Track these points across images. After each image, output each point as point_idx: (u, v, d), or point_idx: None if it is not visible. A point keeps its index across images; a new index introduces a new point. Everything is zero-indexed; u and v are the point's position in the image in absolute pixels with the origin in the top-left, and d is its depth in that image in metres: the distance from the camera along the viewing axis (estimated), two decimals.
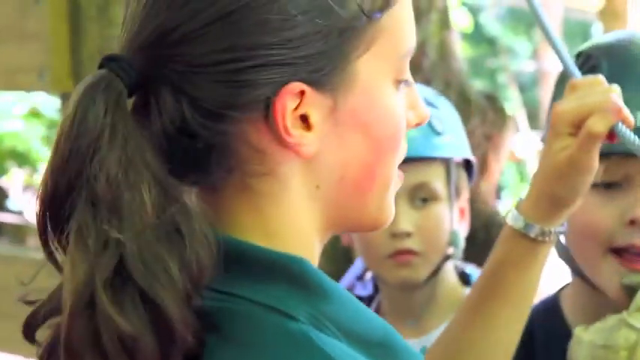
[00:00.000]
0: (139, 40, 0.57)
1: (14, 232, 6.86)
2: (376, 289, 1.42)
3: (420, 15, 1.97)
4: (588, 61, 0.93)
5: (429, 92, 1.38)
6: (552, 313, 1.03)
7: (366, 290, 1.47)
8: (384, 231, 1.17)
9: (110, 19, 1.56)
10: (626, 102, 0.80)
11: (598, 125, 0.73)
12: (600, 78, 0.79)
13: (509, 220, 0.81)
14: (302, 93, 0.55)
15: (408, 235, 1.23)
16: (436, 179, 1.29)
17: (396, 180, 0.64)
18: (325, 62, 0.56)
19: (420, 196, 1.27)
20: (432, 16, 2.02)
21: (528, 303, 0.84)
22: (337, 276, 1.90)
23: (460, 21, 6.92)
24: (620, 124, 0.74)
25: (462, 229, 1.33)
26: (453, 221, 1.29)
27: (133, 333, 0.51)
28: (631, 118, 0.75)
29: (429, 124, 1.30)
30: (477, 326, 0.84)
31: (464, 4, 7.38)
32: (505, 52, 10.10)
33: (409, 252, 1.25)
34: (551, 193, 0.79)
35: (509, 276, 0.82)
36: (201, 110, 0.55)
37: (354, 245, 1.44)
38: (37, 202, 0.57)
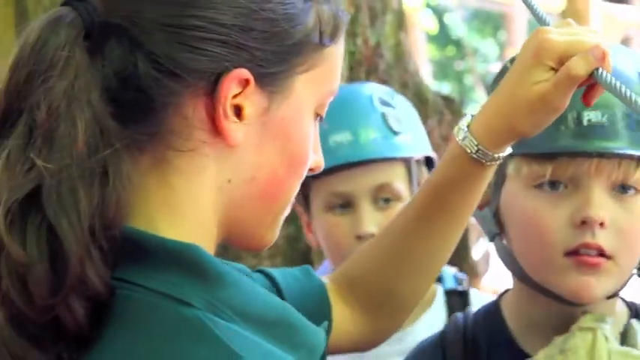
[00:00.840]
0: None
1: None
2: None
3: (374, 17, 2.05)
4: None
5: (385, 91, 1.36)
6: (493, 320, 1.00)
7: None
8: (350, 232, 1.22)
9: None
10: (572, 100, 0.79)
11: (580, 66, 0.70)
12: (593, 27, 0.77)
13: (461, 142, 0.78)
14: (247, 82, 0.57)
15: (372, 236, 1.18)
16: (397, 179, 1.27)
17: (288, 208, 0.65)
18: (275, 63, 0.59)
19: (382, 197, 1.25)
20: (387, 17, 2.02)
21: (467, 215, 0.86)
22: None
23: (425, 23, 6.89)
24: (600, 69, 0.70)
25: None
26: None
27: (25, 260, 0.52)
28: (610, 66, 0.71)
29: (386, 125, 1.28)
30: (420, 234, 0.85)
31: (428, 5, 7.32)
32: (472, 54, 10.16)
33: None
34: (511, 123, 0.77)
35: (453, 192, 0.83)
36: (156, 65, 0.56)
37: (320, 247, 1.42)
38: None
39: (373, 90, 1.34)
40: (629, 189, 0.85)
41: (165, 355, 0.56)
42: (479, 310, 1.01)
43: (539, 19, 0.80)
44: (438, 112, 1.91)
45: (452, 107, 1.95)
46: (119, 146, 0.57)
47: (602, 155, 0.84)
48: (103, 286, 0.56)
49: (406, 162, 1.28)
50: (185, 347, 0.56)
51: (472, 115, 0.80)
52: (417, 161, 1.29)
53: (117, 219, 0.57)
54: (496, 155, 0.79)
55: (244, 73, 0.57)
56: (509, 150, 0.80)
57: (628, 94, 0.70)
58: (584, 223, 0.83)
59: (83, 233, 0.54)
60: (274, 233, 0.67)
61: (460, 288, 1.33)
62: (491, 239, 0.96)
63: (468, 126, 0.79)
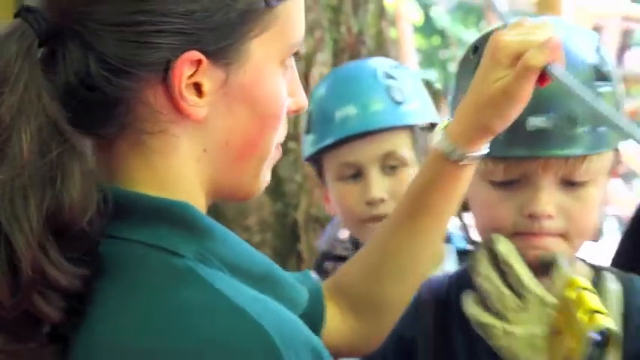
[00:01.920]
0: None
1: None
2: (355, 248, 1.42)
3: (357, 7, 2.07)
4: (478, 52, 0.89)
5: (388, 64, 1.38)
6: (464, 282, 0.98)
7: (347, 251, 1.48)
8: (361, 199, 1.24)
9: None
10: None
11: (536, 58, 0.71)
12: (541, 23, 0.79)
13: (438, 144, 0.80)
14: (199, 62, 0.56)
15: (382, 201, 1.23)
16: (403, 147, 1.28)
17: (272, 155, 0.65)
18: (223, 37, 0.58)
19: (389, 164, 1.27)
20: (369, 7, 2.03)
21: (449, 216, 0.86)
22: (285, 251, 1.90)
23: (412, 15, 6.84)
24: (553, 64, 0.72)
25: None
26: None
27: None
28: (562, 59, 0.73)
29: (390, 96, 1.28)
30: (403, 235, 0.84)
31: None
32: (455, 44, 10.12)
33: (385, 217, 1.24)
34: (480, 120, 0.78)
35: (434, 194, 0.83)
36: (106, 65, 0.55)
37: (336, 213, 1.42)
38: None
39: (377, 64, 1.35)
40: (575, 183, 0.86)
41: (157, 302, 0.56)
42: (452, 275, 1.02)
43: (501, 18, 0.82)
44: None
45: (432, 89, 1.95)
46: (72, 148, 0.56)
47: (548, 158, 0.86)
48: (68, 277, 0.55)
49: (411, 129, 1.29)
50: (175, 293, 0.56)
51: (449, 119, 0.81)
52: (422, 128, 1.30)
53: (76, 216, 0.55)
54: (471, 155, 0.80)
55: (194, 54, 0.57)
56: (485, 149, 0.80)
57: (577, 86, 0.71)
58: (531, 216, 0.86)
59: (34, 237, 0.53)
60: (260, 182, 0.66)
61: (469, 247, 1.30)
62: (457, 215, 0.97)
63: (444, 129, 0.80)
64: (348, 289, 0.87)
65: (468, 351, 0.95)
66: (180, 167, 0.61)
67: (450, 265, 1.28)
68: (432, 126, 1.32)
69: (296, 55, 0.66)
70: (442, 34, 10.26)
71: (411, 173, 1.26)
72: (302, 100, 0.67)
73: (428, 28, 9.67)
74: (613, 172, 0.97)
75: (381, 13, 2.04)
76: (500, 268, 0.85)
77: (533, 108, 0.83)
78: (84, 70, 0.56)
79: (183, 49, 0.56)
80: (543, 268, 0.86)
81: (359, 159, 1.26)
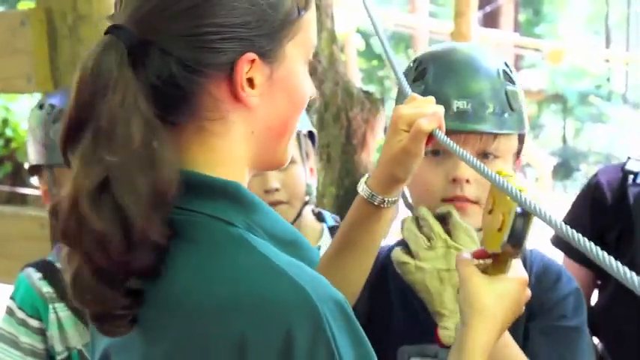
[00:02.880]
0: (138, 15, 0.62)
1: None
2: None
3: (320, 28, 2.28)
4: (420, 66, 1.00)
5: None
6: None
7: None
8: (259, 187, 1.32)
9: (79, 37, 1.66)
10: (447, 94, 0.93)
11: (426, 125, 0.81)
12: (431, 98, 0.86)
13: (360, 192, 0.88)
14: (253, 61, 0.63)
15: (277, 190, 1.37)
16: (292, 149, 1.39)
17: (293, 133, 0.73)
18: (270, 41, 0.64)
19: None
20: (322, 34, 2.19)
21: (375, 249, 0.93)
22: None
23: (356, 43, 8.27)
24: (437, 129, 0.82)
25: (313, 182, 1.48)
26: (307, 177, 1.43)
27: (103, 230, 0.57)
28: (444, 128, 0.82)
29: None
30: (335, 267, 0.90)
31: (359, 30, 8.39)
32: (389, 65, 11.79)
33: (279, 202, 1.39)
34: (389, 173, 0.87)
35: (360, 231, 0.90)
36: (184, 67, 0.61)
37: None
38: (62, 129, 0.63)
39: None
40: (489, 155, 0.95)
41: (218, 261, 0.62)
42: (394, 242, 1.06)
43: (403, 90, 0.92)
44: (361, 102, 2.16)
45: (370, 98, 2.23)
46: (163, 138, 0.61)
47: (468, 132, 0.94)
48: (163, 238, 0.60)
49: (297, 134, 1.36)
50: (232, 255, 0.62)
51: (368, 176, 0.89)
52: (304, 135, 1.41)
53: (169, 191, 0.60)
54: (387, 199, 0.88)
55: (250, 55, 0.63)
56: (396, 195, 0.88)
57: (456, 148, 0.79)
58: (455, 181, 0.94)
59: (144, 207, 0.58)
60: (287, 154, 0.73)
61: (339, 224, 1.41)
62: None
63: (365, 181, 0.89)
64: None
65: (401, 297, 1.03)
66: (233, 147, 0.66)
67: (324, 241, 1.39)
68: (310, 134, 1.46)
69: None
70: (379, 57, 12.12)
71: (298, 170, 1.40)
72: (314, 91, 0.75)
73: (368, 52, 11.45)
74: (518, 161, 1.05)
75: (333, 39, 2.26)
76: (419, 223, 0.93)
77: (458, 94, 0.95)
78: (165, 71, 0.61)
79: (243, 52, 0.62)
80: (441, 219, 0.94)
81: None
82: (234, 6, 0.63)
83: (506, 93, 0.98)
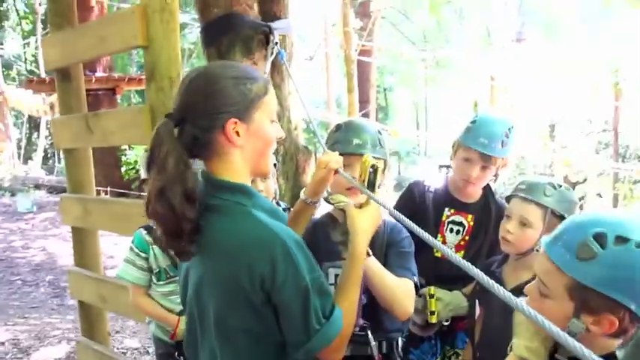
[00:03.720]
0: (177, 107, 1.17)
1: None
2: None
3: (282, 115, 3.87)
4: (339, 127, 1.77)
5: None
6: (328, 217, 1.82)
7: None
8: None
9: None
10: (350, 136, 1.67)
11: (332, 164, 1.42)
12: (336, 153, 1.45)
13: (301, 196, 1.46)
14: (235, 123, 1.16)
15: (261, 191, 1.93)
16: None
17: (271, 156, 1.26)
18: (245, 112, 1.18)
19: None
20: (284, 119, 3.66)
21: (304, 224, 1.49)
22: None
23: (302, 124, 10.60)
24: (341, 169, 1.39)
25: (277, 188, 2.25)
26: (275, 186, 2.16)
27: (163, 212, 1.11)
28: (342, 166, 1.41)
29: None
30: None
31: (302, 119, 11.09)
32: (315, 136, 14.25)
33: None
34: (315, 188, 1.46)
35: (298, 215, 1.48)
36: (202, 131, 1.16)
37: None
38: (145, 163, 1.27)
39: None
40: (373, 166, 1.41)
41: (236, 224, 1.13)
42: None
43: (324, 148, 1.58)
44: (302, 151, 3.62)
45: (307, 150, 3.61)
46: (188, 166, 1.11)
47: (358, 154, 1.53)
48: (194, 215, 1.11)
49: None
50: (242, 220, 1.14)
51: (305, 189, 1.42)
52: None
53: (193, 193, 1.11)
54: (312, 200, 1.46)
55: (233, 120, 1.14)
56: (317, 199, 1.45)
57: (345, 175, 1.40)
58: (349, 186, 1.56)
59: (179, 201, 1.09)
60: (269, 167, 1.26)
61: None
62: None
63: (303, 191, 1.45)
64: None
65: (324, 237, 1.67)
66: (237, 165, 1.18)
67: None
68: (275, 165, 2.24)
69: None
70: (313, 132, 14.16)
71: (271, 182, 2.12)
72: (281, 134, 1.24)
73: (308, 130, 14.27)
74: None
75: (289, 121, 3.68)
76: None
77: (355, 136, 1.67)
78: (194, 134, 1.14)
79: (229, 118, 1.14)
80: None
81: None
82: (226, 96, 1.14)
83: (378, 139, 1.74)
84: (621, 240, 1.01)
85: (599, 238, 1.02)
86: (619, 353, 0.95)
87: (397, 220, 1.30)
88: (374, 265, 1.57)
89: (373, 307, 1.67)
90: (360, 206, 1.38)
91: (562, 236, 1.09)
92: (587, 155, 18.49)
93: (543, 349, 1.19)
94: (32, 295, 6.04)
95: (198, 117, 1.15)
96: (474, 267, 0.94)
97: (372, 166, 1.35)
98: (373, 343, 1.67)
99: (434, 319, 2.05)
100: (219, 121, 1.15)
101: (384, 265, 1.65)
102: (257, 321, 1.15)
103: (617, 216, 1.07)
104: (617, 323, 1.02)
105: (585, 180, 14.09)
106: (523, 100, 18.96)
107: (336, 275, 1.74)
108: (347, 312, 1.21)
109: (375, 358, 1.70)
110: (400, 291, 1.61)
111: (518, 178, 2.00)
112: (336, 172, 1.43)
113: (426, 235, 1.07)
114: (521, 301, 0.82)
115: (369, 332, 1.67)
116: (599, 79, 17.51)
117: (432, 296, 2.05)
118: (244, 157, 1.20)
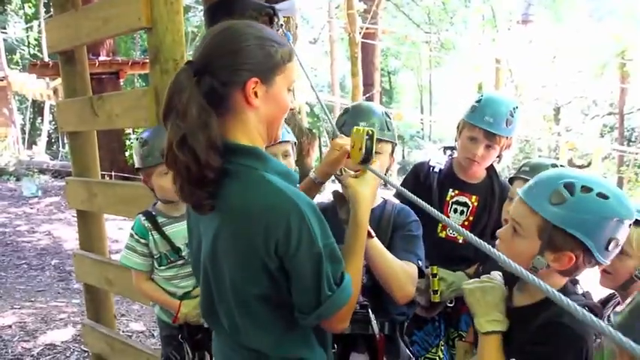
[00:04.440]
0: (200, 57, 1.14)
1: None
2: None
3: None
4: (347, 111, 1.82)
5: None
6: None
7: None
8: None
9: None
10: (357, 121, 1.67)
11: (345, 147, 1.42)
12: (347, 138, 1.40)
13: (310, 175, 1.54)
14: (256, 82, 1.12)
15: None
16: (290, 149, 1.98)
17: (282, 123, 1.23)
18: (267, 74, 1.16)
19: (285, 154, 1.96)
20: None
21: None
22: None
23: (306, 108, 10.45)
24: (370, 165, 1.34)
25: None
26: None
27: (186, 161, 1.08)
28: (369, 169, 1.34)
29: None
30: None
31: (306, 103, 11.32)
32: (327, 117, 14.39)
33: None
34: (325, 169, 1.52)
35: (306, 193, 1.30)
36: (222, 84, 1.12)
37: None
38: (163, 109, 1.11)
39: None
40: (379, 146, 1.53)
41: (250, 188, 1.12)
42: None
43: (335, 131, 1.52)
44: (307, 134, 3.73)
45: (311, 133, 3.76)
46: (212, 114, 1.08)
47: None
48: (218, 163, 1.08)
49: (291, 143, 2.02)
50: (255, 184, 1.12)
51: (314, 169, 1.45)
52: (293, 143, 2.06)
53: (217, 140, 1.08)
54: (320, 180, 1.52)
55: (254, 79, 1.11)
56: (325, 180, 1.50)
57: (383, 176, 1.36)
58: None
59: (204, 149, 1.07)
60: (280, 133, 1.24)
61: None
62: None
63: (313, 171, 1.49)
64: None
65: (333, 217, 1.46)
66: (252, 128, 1.16)
67: None
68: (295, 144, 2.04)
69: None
70: (317, 116, 15.73)
71: (292, 159, 1.99)
72: (292, 105, 1.23)
73: (312, 114, 14.97)
74: (392, 158, 1.75)
75: (293, 95, 4.03)
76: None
77: (363, 121, 1.67)
78: (212, 85, 1.10)
79: (251, 77, 1.11)
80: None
81: (273, 152, 1.86)
82: (251, 55, 1.11)
83: (385, 122, 1.75)
84: (586, 189, 1.22)
85: (569, 187, 1.23)
86: (614, 318, 1.03)
87: (404, 197, 1.33)
88: (376, 245, 1.56)
89: (377, 289, 1.66)
90: (356, 176, 1.39)
91: (536, 186, 1.29)
92: (592, 138, 18.40)
93: (500, 314, 1.35)
94: (38, 279, 6.08)
95: (220, 69, 1.12)
96: (480, 240, 1.00)
97: (368, 133, 1.33)
98: (374, 321, 1.66)
99: (437, 299, 2.05)
100: (240, 77, 1.12)
101: (389, 247, 1.63)
102: (272, 287, 1.16)
103: (581, 172, 1.29)
104: (574, 260, 1.24)
105: (590, 163, 14.04)
106: (528, 83, 18.83)
107: None
108: (353, 280, 1.22)
109: (376, 336, 1.69)
110: (401, 274, 1.59)
111: (523, 162, 1.99)
112: (349, 156, 1.41)
113: (434, 212, 1.09)
114: (502, 256, 0.95)
115: (369, 311, 1.66)
116: (606, 60, 17.34)
117: (434, 275, 2.05)
118: (259, 120, 1.17)
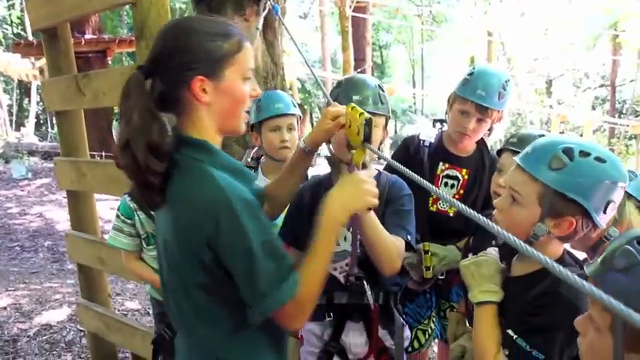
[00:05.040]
0: (147, 60, 1.17)
1: None
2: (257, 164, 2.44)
3: (275, 74, 3.71)
4: (340, 83, 1.78)
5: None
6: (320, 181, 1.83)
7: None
8: (278, 139, 2.15)
9: None
10: (350, 93, 1.66)
11: (342, 120, 1.40)
12: (343, 108, 1.39)
13: (300, 145, 1.49)
14: (202, 80, 1.15)
15: (286, 140, 2.21)
16: (294, 122, 2.29)
17: (243, 114, 1.24)
18: (215, 68, 1.16)
19: (290, 127, 2.27)
20: (278, 78, 3.64)
21: (300, 172, 1.53)
22: None
23: (297, 84, 11.01)
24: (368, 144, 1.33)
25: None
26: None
27: (127, 164, 1.13)
28: (369, 147, 1.33)
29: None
30: (280, 185, 1.52)
31: (298, 78, 11.52)
32: (321, 88, 14.44)
33: (287, 147, 2.20)
34: (316, 137, 1.46)
35: (296, 162, 1.50)
36: (170, 85, 1.17)
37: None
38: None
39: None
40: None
41: (192, 180, 1.14)
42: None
43: (328, 100, 1.57)
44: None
45: (303, 107, 3.30)
46: (156, 119, 1.11)
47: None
48: (161, 167, 1.12)
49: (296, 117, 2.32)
50: (198, 177, 1.13)
51: (305, 137, 1.41)
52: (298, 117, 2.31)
53: (160, 145, 1.11)
54: (309, 149, 1.46)
55: (199, 77, 1.14)
56: (315, 149, 1.45)
57: (377, 151, 1.37)
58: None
59: (143, 153, 1.10)
60: (242, 125, 1.24)
61: None
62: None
63: (303, 140, 1.45)
64: (271, 194, 1.52)
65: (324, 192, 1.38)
66: (204, 123, 1.19)
67: None
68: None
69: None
70: (308, 92, 16.05)
71: (296, 134, 2.19)
72: (257, 91, 1.25)
73: (303, 90, 15.23)
74: (386, 131, 1.73)
75: (284, 81, 3.63)
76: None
77: (356, 93, 1.66)
78: (162, 88, 1.15)
79: (195, 75, 1.14)
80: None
81: (279, 124, 2.22)
82: (193, 53, 1.13)
83: (379, 94, 1.73)
84: (584, 154, 1.23)
85: (568, 152, 1.24)
86: (587, 269, 1.02)
87: (395, 170, 1.30)
88: (371, 219, 1.56)
89: (371, 261, 1.67)
90: (350, 164, 1.40)
91: (534, 153, 1.29)
92: (583, 111, 18.43)
93: (494, 285, 1.35)
94: (32, 261, 6.09)
95: (166, 72, 1.15)
96: (475, 212, 1.01)
97: (366, 120, 1.32)
98: (369, 292, 1.69)
99: (429, 275, 2.09)
100: (185, 77, 1.14)
101: (381, 220, 1.64)
102: (208, 277, 1.15)
103: (576, 138, 1.31)
104: (574, 224, 1.25)
105: (581, 136, 14.10)
106: (520, 56, 18.77)
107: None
108: (307, 281, 1.17)
109: (371, 306, 1.73)
110: (389, 248, 1.60)
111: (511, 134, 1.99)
112: (343, 126, 1.40)
113: (428, 185, 1.09)
114: (496, 228, 0.94)
115: (364, 282, 1.69)
116: (598, 32, 17.27)
117: (426, 252, 2.08)
118: (212, 115, 1.19)
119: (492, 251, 1.46)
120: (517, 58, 19.07)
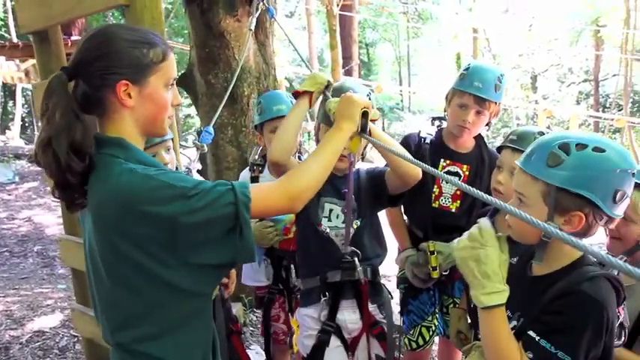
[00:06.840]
0: (71, 62, 1.19)
1: None
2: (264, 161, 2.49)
3: (267, 74, 3.70)
4: (338, 87, 1.82)
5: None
6: None
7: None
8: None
9: None
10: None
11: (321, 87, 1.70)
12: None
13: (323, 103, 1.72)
14: (127, 85, 1.19)
15: None
16: None
17: (167, 118, 1.28)
18: (137, 75, 1.20)
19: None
20: (270, 78, 3.69)
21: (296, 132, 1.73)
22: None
23: (285, 83, 10.99)
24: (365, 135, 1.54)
25: None
26: None
27: (47, 163, 1.14)
28: (366, 138, 1.53)
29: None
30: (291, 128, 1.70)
31: (286, 78, 11.19)
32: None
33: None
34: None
35: (292, 115, 1.71)
36: (93, 88, 1.19)
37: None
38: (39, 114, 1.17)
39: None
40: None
41: (110, 176, 1.14)
42: None
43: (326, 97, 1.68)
44: None
45: None
46: (79, 119, 1.13)
47: None
48: (81, 167, 1.14)
49: None
50: (115, 171, 1.15)
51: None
52: None
53: (82, 145, 1.13)
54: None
55: (124, 82, 1.17)
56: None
57: (376, 141, 1.53)
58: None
59: (65, 152, 1.11)
60: (164, 129, 1.28)
61: None
62: None
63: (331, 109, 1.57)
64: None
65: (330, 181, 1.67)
66: (126, 125, 1.22)
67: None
68: None
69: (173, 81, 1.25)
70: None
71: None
72: (178, 100, 1.30)
73: (290, 88, 14.23)
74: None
75: (275, 80, 3.75)
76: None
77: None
78: (85, 90, 1.18)
79: (120, 80, 1.17)
80: None
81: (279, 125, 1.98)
82: (119, 59, 1.17)
83: (368, 95, 1.81)
84: (581, 146, 1.23)
85: (564, 147, 1.24)
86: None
87: (401, 157, 1.49)
88: (378, 133, 1.67)
89: (356, 237, 1.90)
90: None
91: (533, 153, 1.30)
92: (568, 106, 18.60)
93: (499, 285, 1.24)
94: (21, 266, 6.00)
95: (91, 74, 1.17)
96: (484, 194, 1.08)
97: (363, 111, 1.38)
98: (359, 268, 1.86)
99: (436, 275, 2.12)
100: (109, 81, 1.17)
101: (364, 200, 1.88)
102: (141, 271, 1.13)
103: (574, 133, 1.30)
104: (585, 219, 1.24)
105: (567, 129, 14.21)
106: (505, 52, 18.92)
107: (330, 210, 1.94)
108: (301, 172, 1.30)
109: (361, 282, 1.89)
110: (406, 163, 1.71)
111: (502, 131, 2.03)
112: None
113: (436, 172, 1.16)
114: (514, 209, 1.04)
115: (355, 259, 1.87)
116: (580, 28, 17.44)
117: (432, 252, 2.11)
118: (135, 119, 1.22)
119: (485, 220, 1.35)
120: (502, 54, 19.20)
